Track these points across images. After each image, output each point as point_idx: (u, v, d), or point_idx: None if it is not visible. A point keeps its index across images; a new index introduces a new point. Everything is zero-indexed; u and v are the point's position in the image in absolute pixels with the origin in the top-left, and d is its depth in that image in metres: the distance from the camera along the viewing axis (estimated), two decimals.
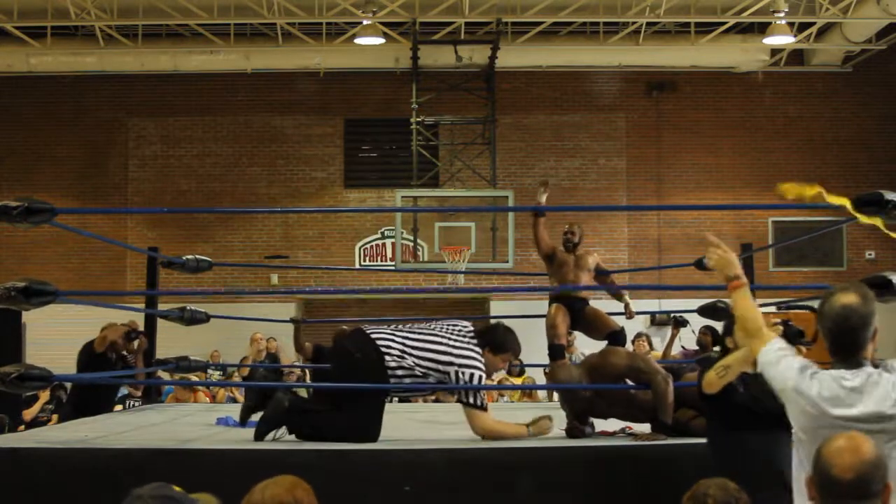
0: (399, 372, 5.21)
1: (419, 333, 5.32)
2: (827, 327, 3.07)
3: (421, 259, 14.69)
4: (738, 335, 3.41)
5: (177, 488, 2.35)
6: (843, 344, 3.05)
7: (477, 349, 5.29)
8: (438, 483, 4.83)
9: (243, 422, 5.81)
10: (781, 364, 3.12)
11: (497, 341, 5.40)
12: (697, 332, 9.33)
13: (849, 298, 3.06)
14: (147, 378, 8.54)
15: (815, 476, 2.53)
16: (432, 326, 5.43)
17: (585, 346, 9.41)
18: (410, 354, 5.23)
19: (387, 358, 5.21)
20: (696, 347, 9.76)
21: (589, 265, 7.36)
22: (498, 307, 15.30)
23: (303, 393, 7.21)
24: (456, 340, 5.31)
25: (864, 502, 2.48)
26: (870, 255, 16.22)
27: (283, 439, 5.28)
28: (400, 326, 5.44)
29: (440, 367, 5.22)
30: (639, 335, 11.11)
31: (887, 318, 3.80)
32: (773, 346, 3.17)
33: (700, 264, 8.31)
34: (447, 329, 5.39)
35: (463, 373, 5.19)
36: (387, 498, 4.78)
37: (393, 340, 5.26)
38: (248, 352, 10.47)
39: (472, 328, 5.45)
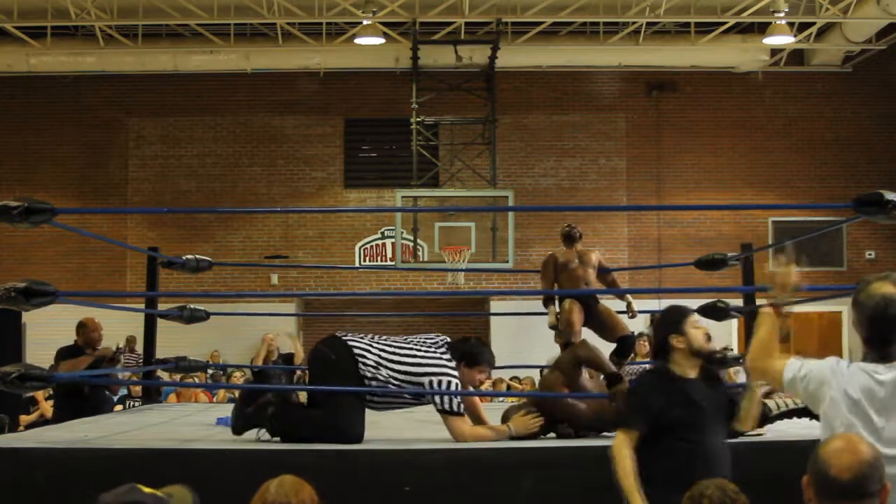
0: (374, 383, 5.21)
1: (394, 346, 5.32)
2: (866, 315, 3.10)
3: (421, 259, 14.69)
4: (754, 355, 3.40)
5: (146, 489, 2.33)
6: (879, 334, 3.08)
7: (450, 361, 5.29)
8: (438, 483, 4.83)
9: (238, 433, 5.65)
10: (811, 367, 3.15)
11: (471, 354, 5.37)
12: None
13: (887, 288, 3.10)
14: (147, 378, 8.54)
15: (811, 477, 2.53)
16: (407, 339, 5.43)
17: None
18: (385, 367, 5.22)
19: (361, 367, 5.21)
20: None
21: (592, 262, 7.42)
22: (498, 307, 15.33)
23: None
24: (429, 353, 5.31)
25: (862, 502, 2.48)
26: (870, 255, 16.23)
27: (264, 439, 5.26)
28: (376, 337, 5.43)
29: (414, 378, 5.21)
30: (639, 335, 11.11)
31: None
32: (795, 361, 3.23)
33: (700, 264, 8.32)
34: (421, 342, 5.40)
35: (440, 381, 5.18)
36: (387, 498, 4.78)
37: (369, 350, 5.25)
38: (260, 352, 10.36)
39: (445, 341, 5.46)
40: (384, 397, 5.29)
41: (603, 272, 7.59)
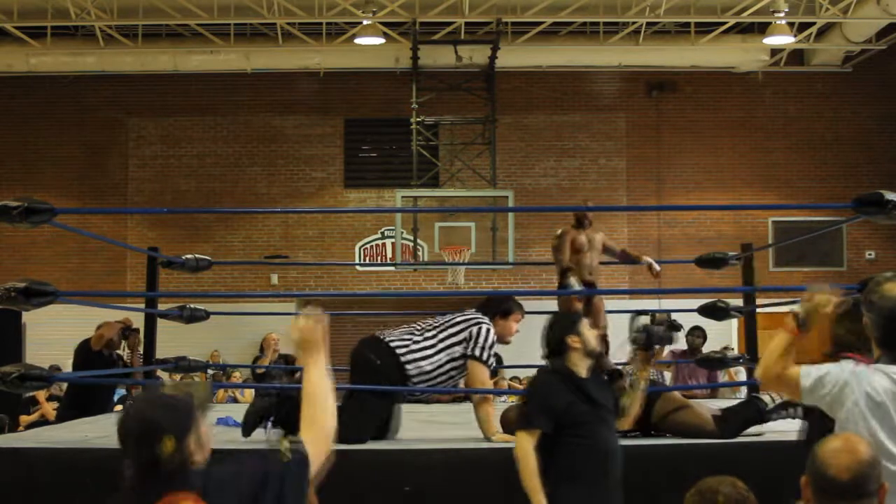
0: (416, 379, 5.33)
1: (431, 329, 5.49)
2: (882, 317, 3.03)
3: (421, 259, 14.68)
4: (767, 363, 3.23)
5: (171, 390, 2.38)
6: (895, 336, 3.02)
7: (483, 317, 5.55)
8: (438, 483, 4.84)
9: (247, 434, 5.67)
10: (828, 372, 3.06)
11: (502, 308, 5.65)
12: (686, 333, 9.38)
13: None
14: (147, 377, 8.54)
15: (810, 477, 2.53)
16: (438, 319, 5.62)
17: None
18: (426, 352, 5.34)
19: (406, 366, 5.32)
20: (685, 348, 9.81)
21: (597, 245, 7.55)
22: None
23: None
24: (458, 314, 5.61)
25: (861, 502, 2.48)
26: (870, 255, 16.22)
27: (271, 433, 5.27)
28: (412, 327, 5.55)
29: (455, 338, 5.38)
30: None
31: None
32: (809, 368, 3.12)
33: (700, 262, 8.34)
34: (453, 315, 5.65)
35: (478, 329, 5.41)
36: (387, 498, 4.78)
37: (410, 342, 5.39)
38: (268, 355, 10.30)
39: (474, 308, 5.72)
40: (425, 387, 5.45)
41: (609, 252, 7.78)
